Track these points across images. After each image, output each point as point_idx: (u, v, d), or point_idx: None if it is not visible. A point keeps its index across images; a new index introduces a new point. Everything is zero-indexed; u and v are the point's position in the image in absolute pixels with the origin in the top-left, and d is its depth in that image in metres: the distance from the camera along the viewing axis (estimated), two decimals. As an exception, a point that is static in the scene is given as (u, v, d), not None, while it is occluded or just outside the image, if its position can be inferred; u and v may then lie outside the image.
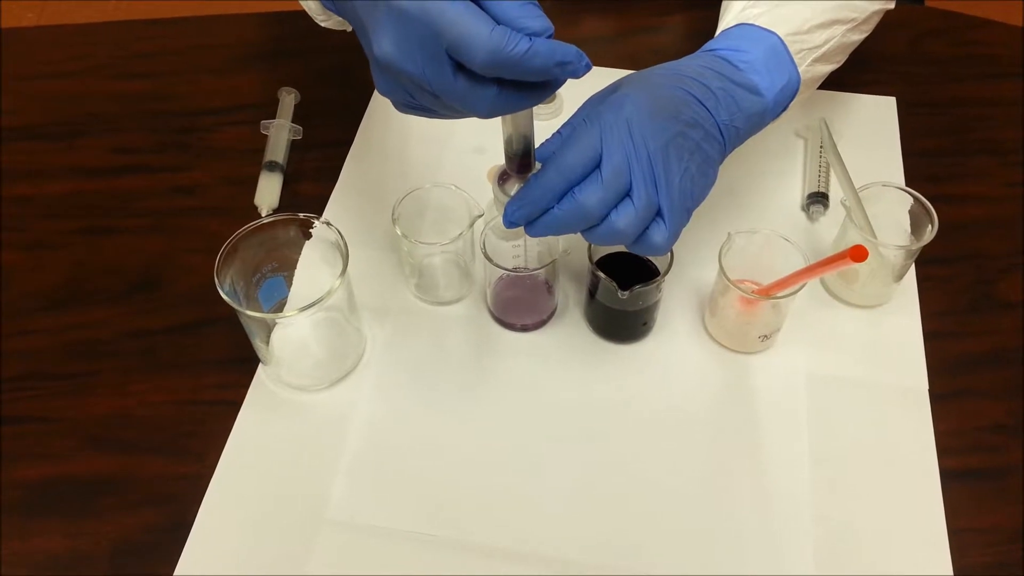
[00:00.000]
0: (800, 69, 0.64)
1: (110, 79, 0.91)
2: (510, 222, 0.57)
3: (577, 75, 0.47)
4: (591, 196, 0.54)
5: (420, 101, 0.51)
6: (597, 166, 0.55)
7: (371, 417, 0.66)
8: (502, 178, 0.59)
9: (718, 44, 0.64)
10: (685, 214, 0.58)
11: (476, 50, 0.44)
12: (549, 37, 0.46)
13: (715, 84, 0.60)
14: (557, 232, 0.57)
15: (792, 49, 0.64)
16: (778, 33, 0.64)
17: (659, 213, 0.56)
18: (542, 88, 0.49)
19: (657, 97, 0.57)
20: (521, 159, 0.56)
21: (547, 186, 0.55)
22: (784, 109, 0.65)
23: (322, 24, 0.69)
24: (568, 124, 0.58)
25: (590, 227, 0.56)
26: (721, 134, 0.59)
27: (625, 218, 0.55)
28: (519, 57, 0.44)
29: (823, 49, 0.66)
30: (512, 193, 0.57)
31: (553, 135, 0.59)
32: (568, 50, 0.46)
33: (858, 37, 0.72)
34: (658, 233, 0.56)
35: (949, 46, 0.94)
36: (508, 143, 0.55)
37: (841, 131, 0.83)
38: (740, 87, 0.61)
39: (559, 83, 0.48)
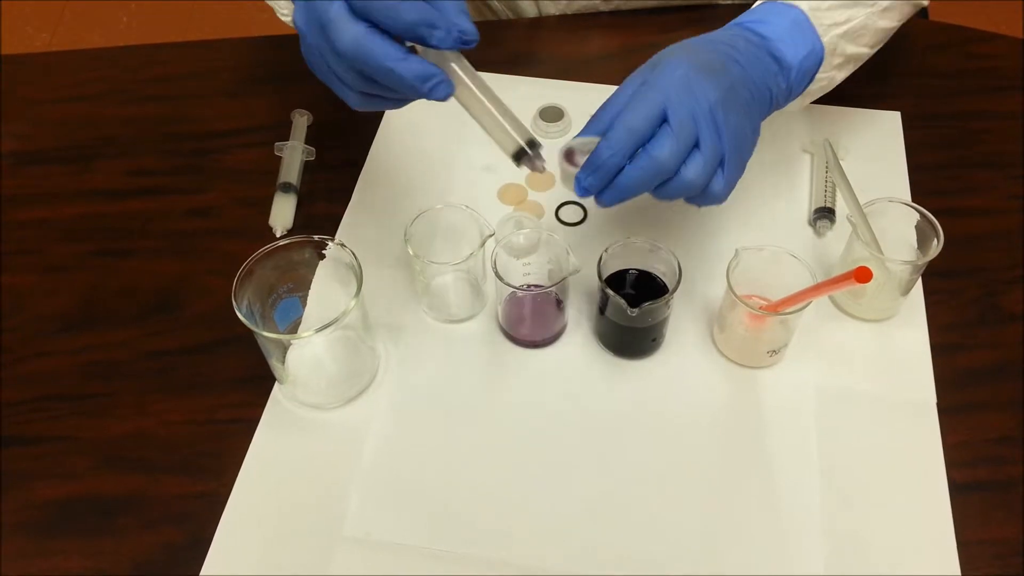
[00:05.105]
0: (824, 40, 0.67)
1: (124, 103, 0.92)
2: (583, 189, 0.60)
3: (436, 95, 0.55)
4: (663, 149, 0.57)
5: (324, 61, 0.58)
6: (662, 123, 0.58)
7: (386, 434, 0.67)
8: (568, 153, 0.61)
9: (744, 18, 0.68)
10: (741, 166, 0.61)
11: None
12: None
13: (746, 49, 0.64)
14: (630, 194, 0.59)
15: (814, 22, 0.67)
16: (800, 7, 0.67)
17: (719, 163, 0.60)
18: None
19: (704, 59, 0.61)
20: (517, 152, 0.59)
21: (616, 147, 0.58)
22: (811, 81, 0.69)
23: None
24: (620, 93, 0.61)
25: (662, 183, 0.59)
26: (759, 95, 0.64)
27: (694, 169, 0.58)
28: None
29: (845, 27, 0.69)
30: (580, 164, 0.60)
31: (604, 105, 0.61)
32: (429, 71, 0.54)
33: (887, 24, 0.74)
34: (718, 183, 0.60)
35: (953, 59, 0.95)
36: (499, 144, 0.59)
37: (846, 146, 0.83)
38: (768, 54, 0.65)
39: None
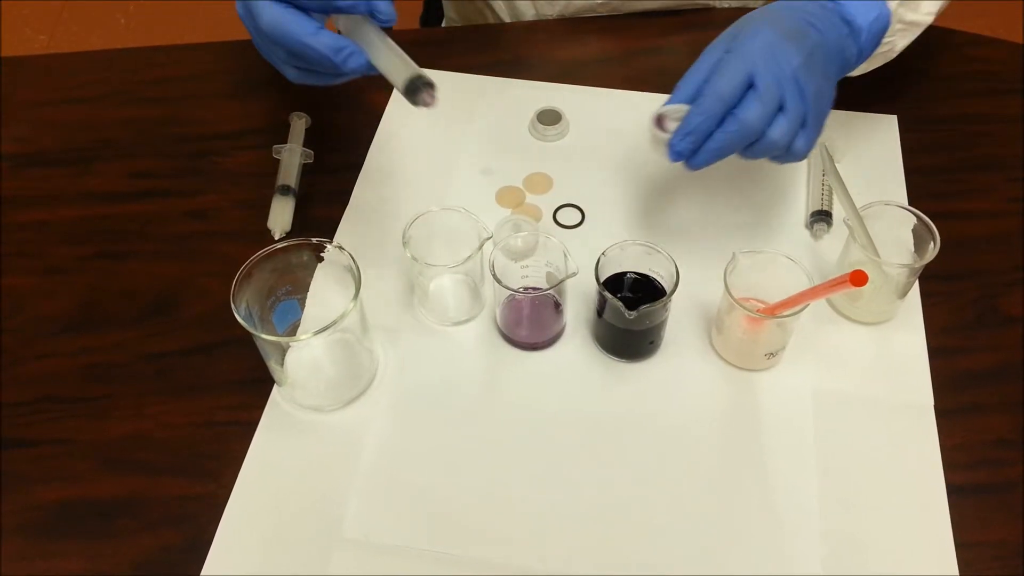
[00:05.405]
0: (889, 5, 0.71)
1: (123, 105, 0.92)
2: (676, 153, 0.64)
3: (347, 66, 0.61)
4: (752, 112, 0.62)
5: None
6: (748, 87, 0.62)
7: (385, 436, 0.67)
8: (658, 120, 0.65)
9: None
10: (821, 125, 0.65)
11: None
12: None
13: (820, 14, 0.68)
14: (719, 157, 0.64)
15: None
16: None
17: (801, 123, 0.64)
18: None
19: (784, 26, 0.65)
20: (413, 88, 0.61)
21: (708, 113, 0.62)
22: (876, 42, 0.72)
23: None
24: (703, 61, 0.66)
25: (749, 144, 0.63)
26: (835, 57, 0.68)
27: (780, 130, 0.62)
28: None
29: None
30: (671, 130, 0.64)
31: (688, 73, 0.66)
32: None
33: None
34: (800, 141, 0.64)
35: (951, 63, 0.95)
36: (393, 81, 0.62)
37: (843, 150, 0.84)
38: (840, 18, 0.69)
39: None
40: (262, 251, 0.65)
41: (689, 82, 0.65)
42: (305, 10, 0.61)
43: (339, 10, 0.61)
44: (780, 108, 0.62)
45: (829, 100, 0.67)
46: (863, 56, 0.72)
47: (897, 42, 0.76)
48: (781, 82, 0.62)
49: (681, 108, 0.64)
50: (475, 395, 0.70)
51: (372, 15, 0.61)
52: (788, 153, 0.65)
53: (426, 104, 0.61)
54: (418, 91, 0.61)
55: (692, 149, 0.63)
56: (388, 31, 0.62)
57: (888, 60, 0.78)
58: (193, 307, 0.75)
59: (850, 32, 0.69)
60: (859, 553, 0.61)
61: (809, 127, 0.64)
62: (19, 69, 0.96)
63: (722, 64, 0.63)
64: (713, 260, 0.70)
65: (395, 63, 0.62)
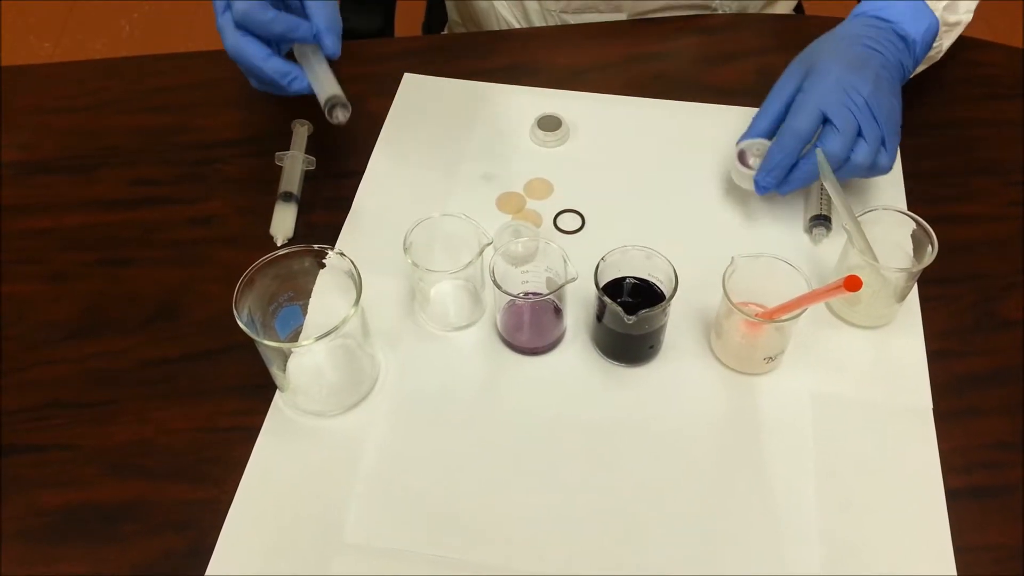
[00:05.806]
0: (937, 14, 0.78)
1: (126, 113, 0.93)
2: (762, 188, 0.74)
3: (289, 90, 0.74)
4: (834, 144, 0.70)
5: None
6: (823, 122, 0.71)
7: (386, 441, 0.68)
8: (740, 155, 0.75)
9: (865, 7, 0.79)
10: (897, 136, 0.73)
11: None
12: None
13: (879, 36, 0.75)
14: (805, 184, 0.74)
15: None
16: None
17: (880, 143, 0.71)
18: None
19: (850, 57, 0.73)
20: (329, 106, 0.73)
21: (787, 151, 0.72)
22: (928, 50, 0.79)
23: None
24: (776, 97, 0.75)
25: (835, 169, 0.71)
26: (896, 72, 0.75)
27: (862, 155, 0.71)
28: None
29: (945, 0, 0.80)
30: (754, 166, 0.75)
31: (763, 108, 0.76)
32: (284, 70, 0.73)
33: None
34: (883, 158, 0.72)
35: (951, 67, 0.95)
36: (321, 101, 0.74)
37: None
38: (895, 35, 0.76)
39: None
40: (264, 257, 0.66)
41: (765, 116, 0.75)
42: (262, 38, 0.72)
43: (295, 40, 0.73)
44: (859, 134, 0.70)
45: (899, 112, 0.73)
46: (917, 63, 0.78)
47: (944, 43, 0.81)
48: (856, 114, 0.70)
49: (759, 143, 0.74)
50: (475, 400, 0.70)
51: (320, 46, 0.73)
52: (873, 170, 0.72)
53: (338, 120, 0.73)
54: (333, 108, 0.72)
55: (776, 183, 0.73)
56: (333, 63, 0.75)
57: (935, 61, 0.83)
58: (196, 313, 0.76)
59: (906, 46, 0.75)
60: (858, 556, 0.62)
61: (888, 143, 0.71)
62: (22, 77, 0.97)
63: (797, 104, 0.72)
64: (712, 264, 0.70)
65: (322, 85, 0.73)
